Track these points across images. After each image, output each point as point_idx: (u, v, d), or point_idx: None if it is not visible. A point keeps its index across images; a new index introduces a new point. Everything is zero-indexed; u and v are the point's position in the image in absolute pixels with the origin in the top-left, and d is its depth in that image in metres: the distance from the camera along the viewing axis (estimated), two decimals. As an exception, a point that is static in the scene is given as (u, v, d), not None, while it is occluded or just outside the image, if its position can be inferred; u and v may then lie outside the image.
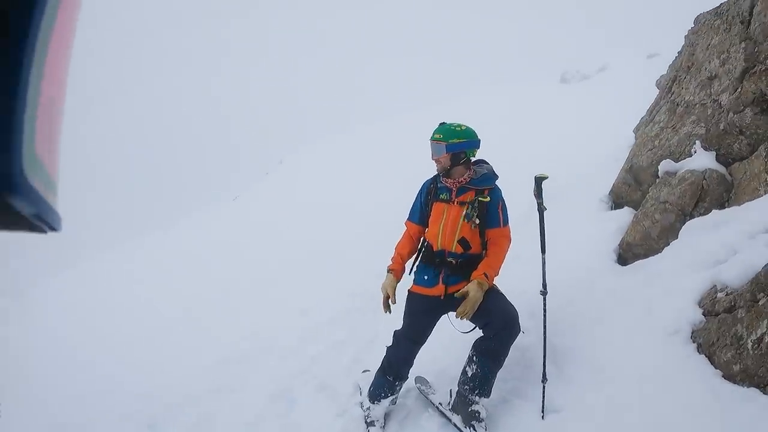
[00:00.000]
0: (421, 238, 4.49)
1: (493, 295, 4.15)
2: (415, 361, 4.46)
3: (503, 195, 4.29)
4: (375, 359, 4.84)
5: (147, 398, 5.94)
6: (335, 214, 12.77)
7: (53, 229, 0.64)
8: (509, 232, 4.28)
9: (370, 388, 4.58)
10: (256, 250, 11.41)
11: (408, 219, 4.52)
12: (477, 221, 4.13)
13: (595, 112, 17.41)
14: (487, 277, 4.05)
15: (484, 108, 21.35)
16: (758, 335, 3.41)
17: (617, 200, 6.96)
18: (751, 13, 5.62)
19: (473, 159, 4.32)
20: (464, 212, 4.13)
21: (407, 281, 4.51)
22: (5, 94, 0.56)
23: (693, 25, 7.16)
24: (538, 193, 4.45)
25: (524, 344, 4.55)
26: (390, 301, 4.24)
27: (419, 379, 4.86)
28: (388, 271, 4.36)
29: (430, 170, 4.47)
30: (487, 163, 4.40)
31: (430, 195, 4.37)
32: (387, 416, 4.59)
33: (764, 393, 3.29)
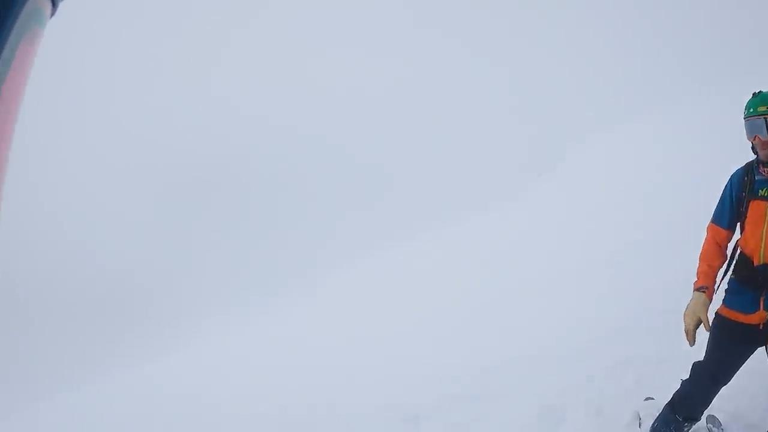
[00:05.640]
0: (728, 246, 3.50)
1: None
2: (713, 399, 3.62)
3: None
4: (661, 385, 4.13)
5: (413, 392, 6.07)
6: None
7: None
8: None
9: (654, 423, 3.86)
10: (535, 249, 11.00)
11: (712, 221, 3.50)
12: None
13: None
14: None
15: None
16: None
17: None
18: None
19: None
20: None
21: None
22: None
23: None
24: None
25: None
26: (703, 326, 3.30)
27: (711, 419, 3.99)
28: (695, 290, 3.38)
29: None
30: None
31: (744, 191, 3.32)
32: (666, 459, 3.85)
33: None
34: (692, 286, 3.43)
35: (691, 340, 3.31)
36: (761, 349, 3.37)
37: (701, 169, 11.42)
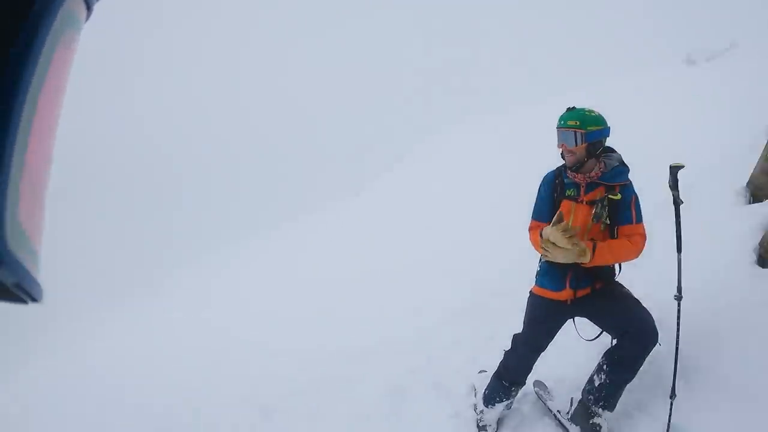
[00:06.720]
0: None
1: (630, 302, 3.90)
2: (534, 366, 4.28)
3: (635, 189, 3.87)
4: (492, 359, 4.66)
5: (265, 384, 6.32)
6: (460, 211, 12.46)
7: (34, 300, 0.61)
8: (644, 229, 3.84)
9: (485, 390, 4.48)
10: (376, 246, 11.46)
11: (534, 218, 4.07)
12: (607, 221, 3.75)
13: (724, 96, 16.05)
14: (595, 250, 3.64)
15: (605, 95, 20.18)
16: None
17: (756, 193, 6.36)
18: None
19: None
20: (594, 212, 3.71)
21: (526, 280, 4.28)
22: None
23: None
24: (674, 184, 3.96)
25: (652, 354, 4.26)
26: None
27: (538, 383, 4.70)
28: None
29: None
30: (615, 152, 3.94)
31: (555, 191, 3.93)
32: (500, 421, 4.50)
33: None
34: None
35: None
36: (570, 322, 4.11)
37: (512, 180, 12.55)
